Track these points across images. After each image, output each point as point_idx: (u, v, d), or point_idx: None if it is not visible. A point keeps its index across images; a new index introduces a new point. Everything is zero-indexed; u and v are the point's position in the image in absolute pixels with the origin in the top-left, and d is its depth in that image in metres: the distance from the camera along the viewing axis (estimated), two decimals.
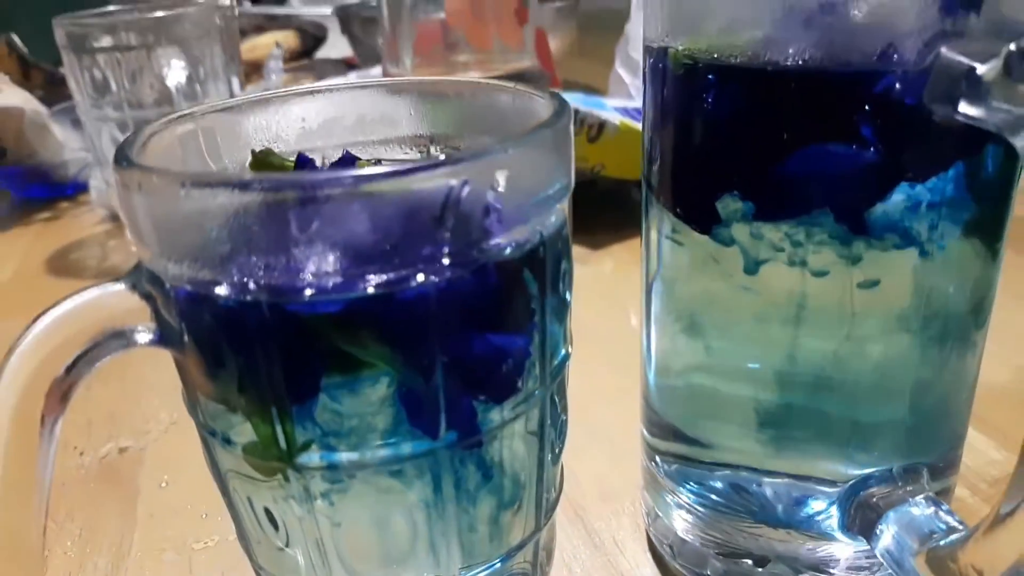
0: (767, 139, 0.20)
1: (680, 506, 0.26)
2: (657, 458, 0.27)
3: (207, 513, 0.31)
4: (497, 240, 0.17)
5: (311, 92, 0.23)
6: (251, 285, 0.16)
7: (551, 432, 0.21)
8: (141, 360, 0.42)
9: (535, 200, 0.18)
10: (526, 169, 0.17)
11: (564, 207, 0.19)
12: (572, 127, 0.19)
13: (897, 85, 0.19)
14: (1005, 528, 0.18)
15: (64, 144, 0.71)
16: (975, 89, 0.17)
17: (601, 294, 0.48)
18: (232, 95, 0.60)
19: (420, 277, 0.16)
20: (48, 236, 0.64)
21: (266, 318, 0.16)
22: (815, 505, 0.24)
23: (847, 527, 0.23)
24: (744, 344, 0.23)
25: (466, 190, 0.16)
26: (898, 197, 0.20)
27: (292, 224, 0.15)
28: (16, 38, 0.83)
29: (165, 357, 0.19)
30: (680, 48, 0.22)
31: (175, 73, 0.57)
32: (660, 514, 0.27)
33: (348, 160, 0.22)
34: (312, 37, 1.14)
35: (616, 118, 0.56)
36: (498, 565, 0.21)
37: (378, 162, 0.23)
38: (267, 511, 0.19)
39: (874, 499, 0.22)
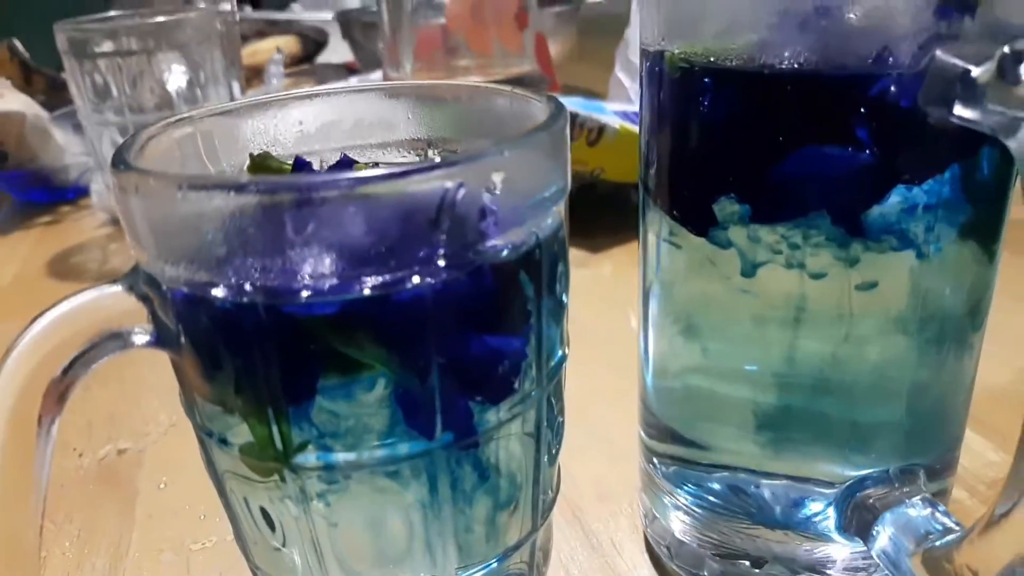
0: (763, 142, 0.21)
1: (678, 507, 0.26)
2: (655, 460, 0.27)
3: (205, 514, 0.31)
4: (493, 242, 0.17)
5: (309, 96, 0.23)
6: (247, 287, 0.16)
7: (547, 433, 0.21)
8: (140, 363, 0.43)
9: (531, 202, 0.18)
10: (522, 171, 0.17)
11: (560, 209, 0.19)
12: (568, 130, 0.19)
13: (892, 88, 0.19)
14: (1000, 529, 0.18)
15: (65, 148, 0.71)
16: (970, 91, 0.17)
17: (600, 297, 0.48)
18: (233, 100, 0.60)
19: (416, 279, 0.16)
20: (49, 240, 0.65)
21: (262, 320, 0.16)
22: (812, 506, 0.24)
23: (844, 528, 0.23)
24: (742, 346, 0.23)
25: (461, 192, 0.16)
26: (894, 199, 0.20)
27: (288, 226, 0.15)
28: (18, 43, 0.84)
29: (164, 360, 0.19)
30: (676, 52, 0.22)
31: (176, 78, 0.57)
32: (658, 515, 0.27)
33: (346, 163, 0.22)
34: (313, 42, 1.14)
35: (616, 122, 0.56)
36: (494, 565, 0.21)
37: (375, 165, 0.23)
38: (264, 512, 0.19)
39: (871, 500, 0.22)
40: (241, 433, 0.18)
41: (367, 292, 0.16)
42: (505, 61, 0.69)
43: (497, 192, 0.17)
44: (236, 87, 0.61)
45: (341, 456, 0.18)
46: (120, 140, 0.57)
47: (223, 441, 0.18)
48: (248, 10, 1.34)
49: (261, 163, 0.21)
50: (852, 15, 0.19)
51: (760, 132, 0.21)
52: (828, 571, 0.24)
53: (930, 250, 0.21)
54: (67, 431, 0.38)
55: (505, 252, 0.17)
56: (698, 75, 0.21)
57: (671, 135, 0.23)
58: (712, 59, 0.21)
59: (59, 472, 0.35)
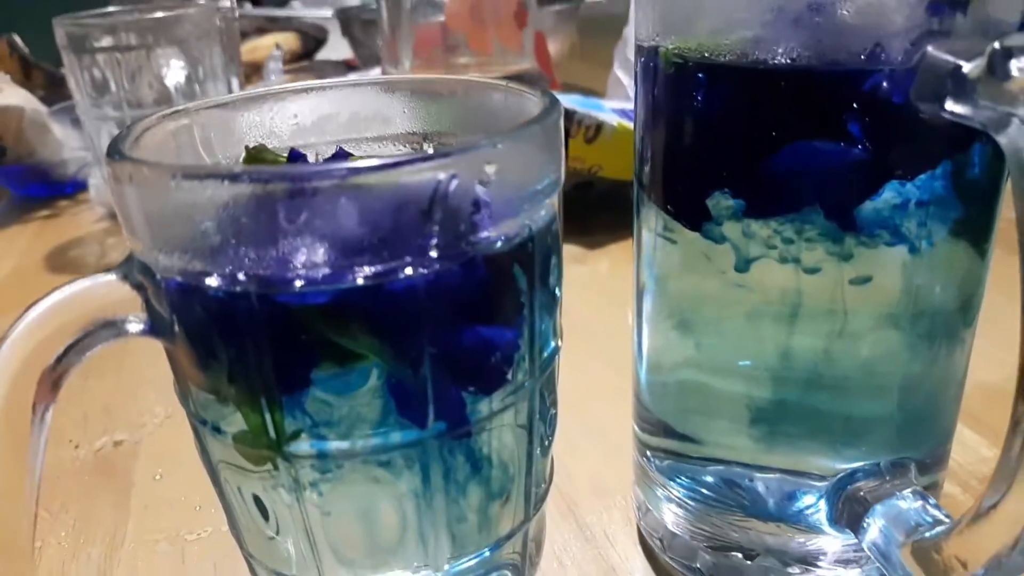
0: (757, 137, 0.21)
1: (671, 500, 0.26)
2: (648, 453, 0.27)
3: (200, 505, 0.32)
4: (486, 233, 0.17)
5: (305, 89, 0.23)
6: (241, 276, 0.16)
7: (540, 425, 0.21)
8: (137, 355, 0.43)
9: (524, 194, 0.18)
10: (515, 164, 0.17)
11: (554, 202, 0.19)
12: (561, 123, 0.19)
13: (885, 84, 0.19)
14: (988, 520, 0.18)
15: (64, 143, 0.71)
16: (961, 87, 0.17)
17: (598, 293, 0.48)
18: None
19: (409, 270, 0.16)
20: (47, 234, 0.65)
21: (255, 309, 0.16)
22: (805, 499, 0.24)
23: (835, 520, 0.23)
24: (735, 341, 0.23)
25: (454, 184, 0.16)
26: (887, 195, 0.20)
27: (281, 216, 0.15)
28: (17, 39, 0.84)
29: (161, 353, 0.19)
30: (670, 47, 0.22)
31: (174, 73, 0.57)
32: (651, 508, 0.27)
33: (341, 156, 0.22)
34: (313, 39, 1.14)
35: (613, 119, 0.56)
36: (487, 554, 0.21)
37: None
38: (257, 500, 0.19)
39: (861, 493, 0.22)
40: (235, 421, 0.18)
41: (360, 282, 0.16)
42: (504, 59, 0.69)
43: (490, 184, 0.17)
44: (235, 83, 0.61)
45: (334, 444, 0.18)
46: None
47: (217, 429, 0.19)
48: (248, 7, 1.34)
49: (257, 155, 0.21)
50: (845, 11, 0.19)
51: (753, 127, 0.21)
52: (819, 563, 0.24)
53: (922, 245, 0.21)
54: (64, 423, 0.38)
55: (498, 244, 0.18)
56: (692, 71, 0.21)
57: (665, 130, 0.23)
58: (706, 55, 0.21)
59: (55, 463, 0.35)
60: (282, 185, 0.15)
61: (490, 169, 0.17)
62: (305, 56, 1.13)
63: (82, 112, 0.59)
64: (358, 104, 0.23)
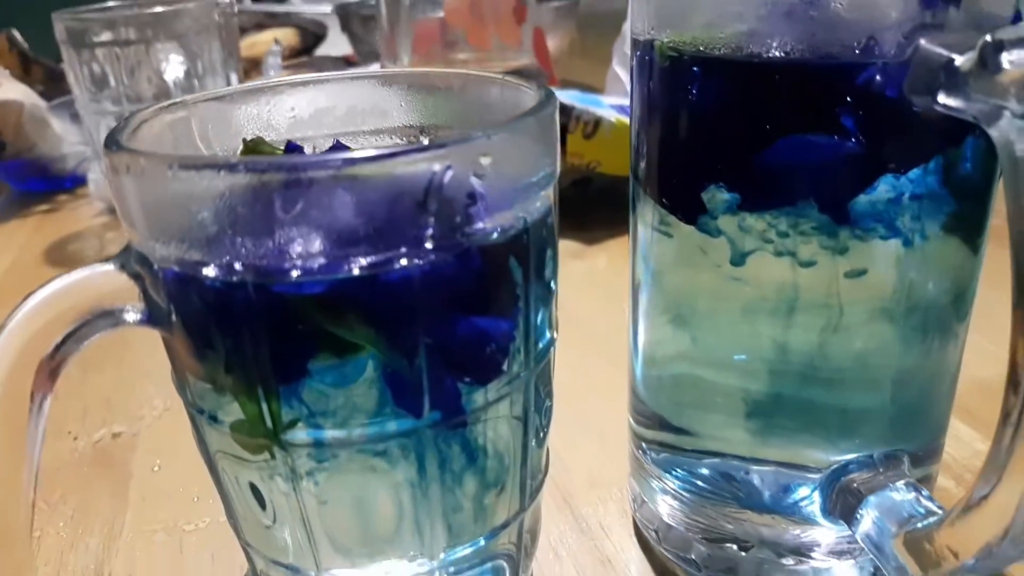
0: (751, 130, 0.21)
1: (666, 492, 0.26)
2: (644, 446, 0.27)
3: (198, 496, 0.32)
4: (481, 225, 0.17)
5: (303, 83, 0.23)
6: (237, 266, 0.16)
7: (535, 416, 0.21)
8: (136, 347, 0.43)
9: (519, 186, 0.18)
10: (510, 155, 0.18)
11: (549, 194, 0.20)
12: (557, 116, 0.19)
13: (878, 77, 0.19)
14: (979, 510, 0.18)
15: (63, 138, 0.71)
16: (953, 80, 0.18)
17: (595, 288, 0.48)
18: None
19: (404, 260, 0.16)
20: (46, 228, 0.65)
21: (252, 299, 0.16)
22: (799, 491, 0.24)
23: (828, 512, 0.23)
24: (731, 334, 0.23)
25: (449, 175, 0.16)
26: (881, 188, 0.20)
27: (277, 206, 0.16)
28: (17, 33, 0.84)
29: (159, 346, 0.19)
30: (665, 41, 0.22)
31: (173, 68, 0.57)
32: (646, 500, 0.28)
33: (338, 149, 0.22)
34: (312, 35, 1.14)
35: (612, 115, 0.56)
36: (482, 544, 0.21)
37: None
38: (254, 489, 0.19)
39: (855, 484, 0.23)
40: (232, 411, 0.18)
41: (356, 272, 0.16)
42: (503, 55, 0.69)
43: (485, 176, 0.17)
44: (234, 79, 0.61)
45: (330, 433, 0.18)
46: None
47: (214, 419, 0.19)
48: (247, 2, 1.34)
49: (254, 148, 0.21)
50: (839, 5, 0.19)
51: (748, 121, 0.21)
52: (813, 554, 0.24)
53: (916, 239, 0.21)
54: (63, 415, 0.38)
55: (494, 235, 0.18)
56: (687, 64, 0.21)
57: (661, 124, 0.23)
58: (701, 48, 0.21)
59: (54, 455, 0.35)
60: (278, 175, 0.15)
61: (485, 161, 0.17)
62: (304, 52, 1.12)
63: (81, 107, 0.59)
64: (355, 97, 0.23)
